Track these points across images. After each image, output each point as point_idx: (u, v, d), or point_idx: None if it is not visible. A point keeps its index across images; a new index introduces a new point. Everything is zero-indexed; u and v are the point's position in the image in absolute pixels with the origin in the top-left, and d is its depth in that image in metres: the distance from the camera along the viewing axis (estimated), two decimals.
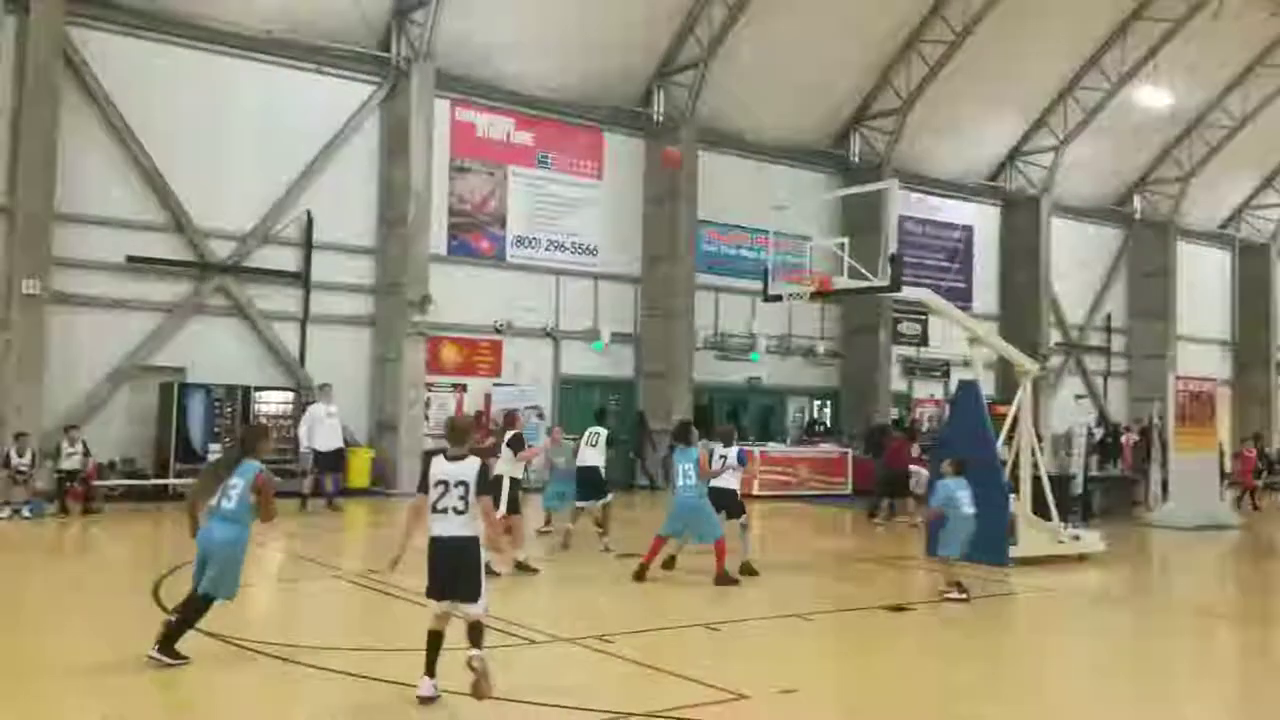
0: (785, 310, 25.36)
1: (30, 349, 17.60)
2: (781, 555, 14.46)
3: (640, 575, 11.12)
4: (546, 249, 23.78)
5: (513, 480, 11.53)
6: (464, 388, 22.56)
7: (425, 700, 6.60)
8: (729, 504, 12.04)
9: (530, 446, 12.69)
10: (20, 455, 16.05)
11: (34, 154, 17.78)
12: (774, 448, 24.00)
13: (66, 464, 16.52)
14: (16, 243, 17.75)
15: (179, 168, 19.41)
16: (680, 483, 11.34)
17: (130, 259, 18.97)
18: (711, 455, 12.18)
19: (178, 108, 19.51)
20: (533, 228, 23.62)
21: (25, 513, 15.69)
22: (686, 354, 24.40)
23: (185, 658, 7.35)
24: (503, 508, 10.54)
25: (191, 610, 7.51)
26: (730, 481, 12.20)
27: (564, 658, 8.24)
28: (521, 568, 11.45)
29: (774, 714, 6.65)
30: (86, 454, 16.77)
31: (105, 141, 18.94)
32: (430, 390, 21.81)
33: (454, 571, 6.73)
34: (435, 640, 6.74)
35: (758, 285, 16.03)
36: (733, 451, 12.16)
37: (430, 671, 6.67)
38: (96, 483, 17.02)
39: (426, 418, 21.52)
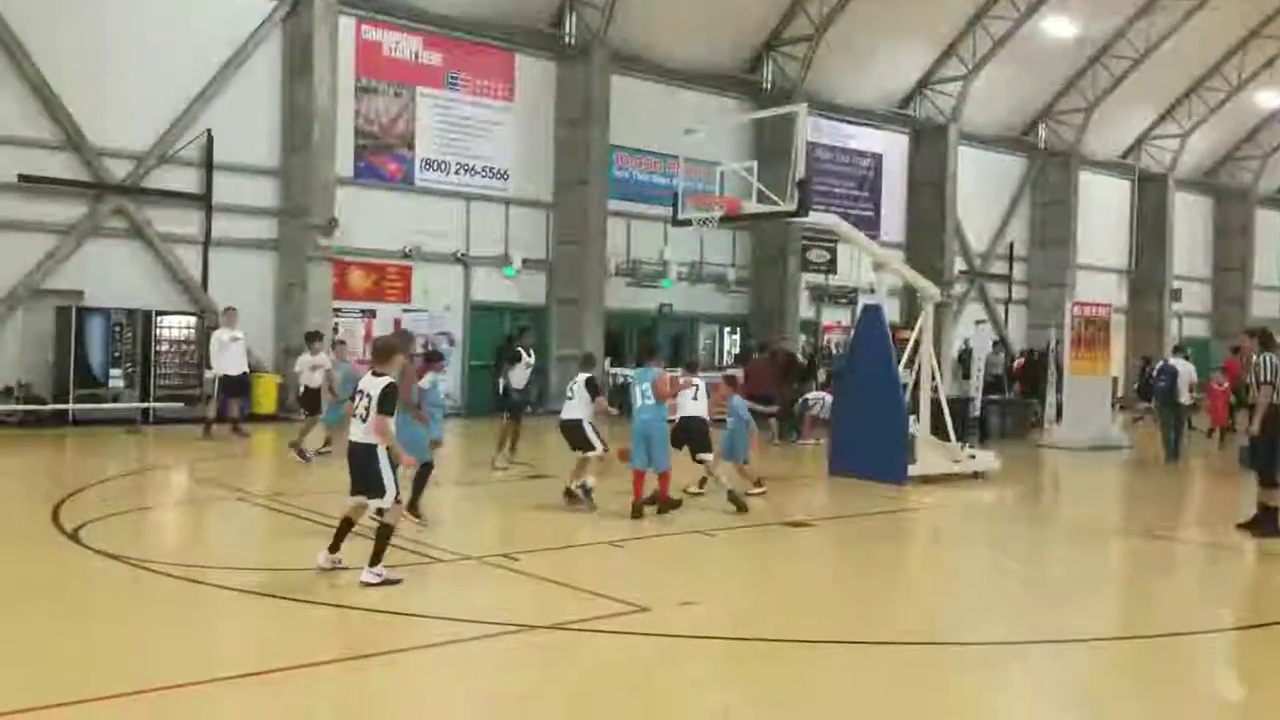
0: (697, 238, 25.48)
1: None
2: (685, 477, 14.76)
3: (638, 513, 10.65)
4: (456, 173, 23.43)
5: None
6: (373, 314, 22.30)
7: (323, 570, 7.78)
8: (698, 434, 11.78)
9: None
10: None
11: None
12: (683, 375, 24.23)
13: None
14: None
15: (71, 82, 18.58)
16: (639, 403, 11.18)
17: (22, 178, 18.21)
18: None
19: (69, 17, 18.63)
20: (442, 151, 23.22)
21: None
22: (598, 281, 24.42)
23: None
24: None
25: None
26: (700, 410, 11.95)
27: (472, 576, 8.38)
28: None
29: (672, 624, 6.90)
30: None
31: None
32: (338, 316, 21.49)
33: (360, 470, 7.73)
34: (344, 525, 7.91)
35: (669, 212, 16.11)
36: (701, 381, 12.18)
37: (333, 549, 7.82)
38: None
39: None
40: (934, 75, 30.69)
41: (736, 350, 26.94)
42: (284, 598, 7.33)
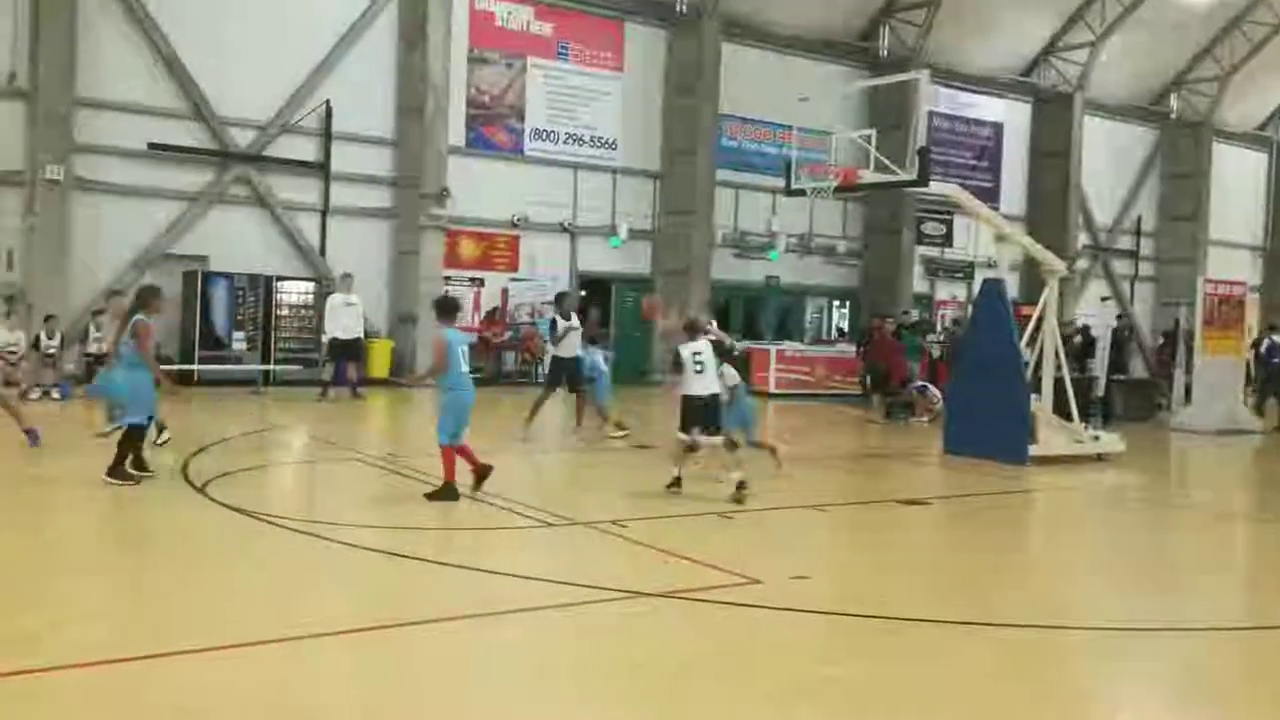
0: (806, 209, 25.11)
1: (55, 234, 17.69)
2: (796, 450, 14.57)
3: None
4: (565, 142, 23.49)
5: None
6: (481, 282, 22.56)
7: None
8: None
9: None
10: (50, 338, 16.32)
11: (54, 38, 17.61)
12: (790, 347, 24.00)
13: (93, 348, 16.78)
14: (38, 128, 17.67)
15: (198, 54, 19.19)
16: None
17: (152, 145, 18.88)
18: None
19: None
20: (551, 120, 23.30)
21: (55, 394, 15.97)
22: (705, 252, 24.24)
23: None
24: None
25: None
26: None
27: (581, 541, 8.38)
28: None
29: (785, 598, 6.77)
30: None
31: (124, 26, 18.69)
32: (448, 284, 21.78)
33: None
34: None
35: (778, 182, 15.81)
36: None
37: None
38: None
39: None
40: (1059, 42, 29.53)
41: (845, 324, 26.57)
42: (400, 555, 7.42)
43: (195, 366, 18.52)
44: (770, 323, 26.30)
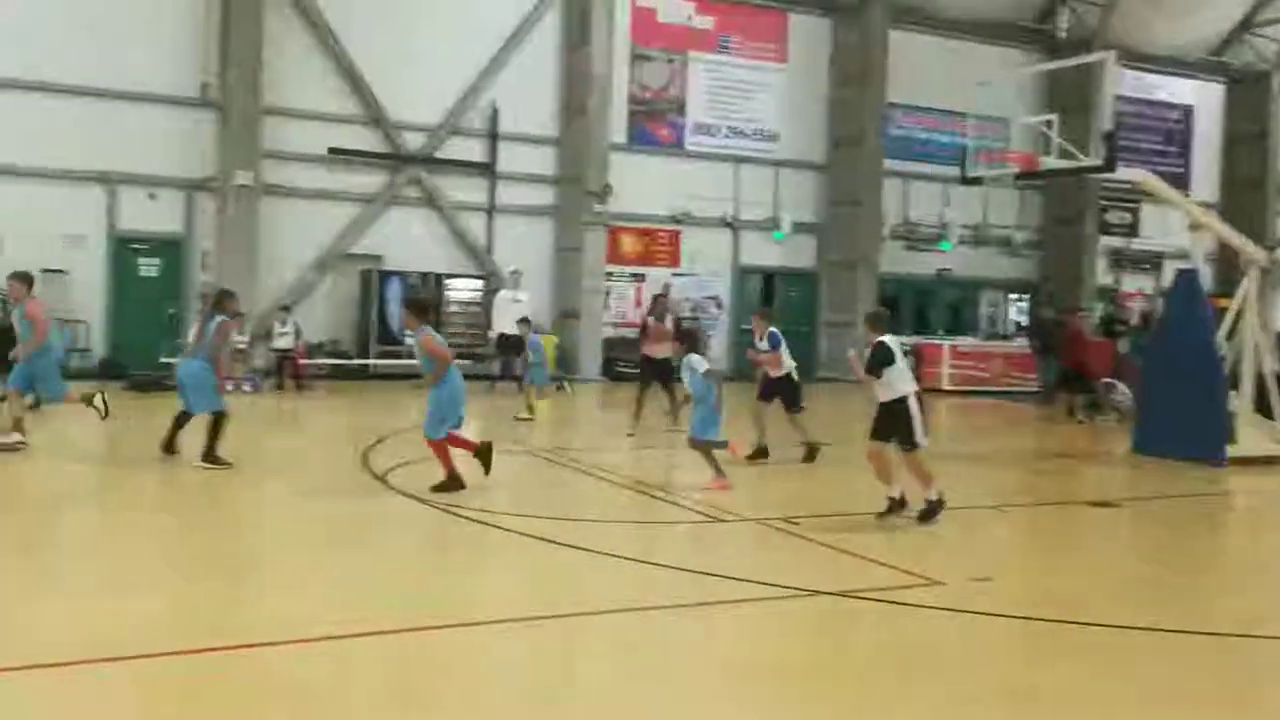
0: (980, 198, 24.19)
1: (244, 236, 18.65)
2: (972, 448, 14.00)
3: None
4: (726, 136, 23.30)
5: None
6: (642, 277, 22.63)
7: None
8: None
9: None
10: (240, 334, 17.17)
11: (242, 51, 18.53)
12: (964, 342, 23.15)
13: (280, 343, 17.70)
14: (230, 137, 18.67)
15: (374, 62, 19.87)
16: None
17: (331, 150, 19.69)
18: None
19: (369, 2, 19.90)
20: (712, 114, 23.16)
21: (246, 387, 16.84)
22: (872, 244, 23.63)
23: None
24: None
25: None
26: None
27: (754, 538, 8.22)
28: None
29: (969, 600, 6.43)
30: (298, 335, 17.92)
31: (306, 38, 19.54)
32: (610, 280, 21.98)
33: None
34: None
35: (950, 171, 15.23)
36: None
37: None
38: (306, 361, 18.14)
39: (607, 306, 21.80)
40: (1256, 16, 27.47)
41: (1025, 319, 25.44)
42: (576, 546, 7.42)
43: (370, 361, 19.23)
44: (942, 317, 25.45)
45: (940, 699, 4.89)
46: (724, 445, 9.65)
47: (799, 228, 23.83)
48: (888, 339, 8.28)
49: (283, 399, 16.82)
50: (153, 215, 18.84)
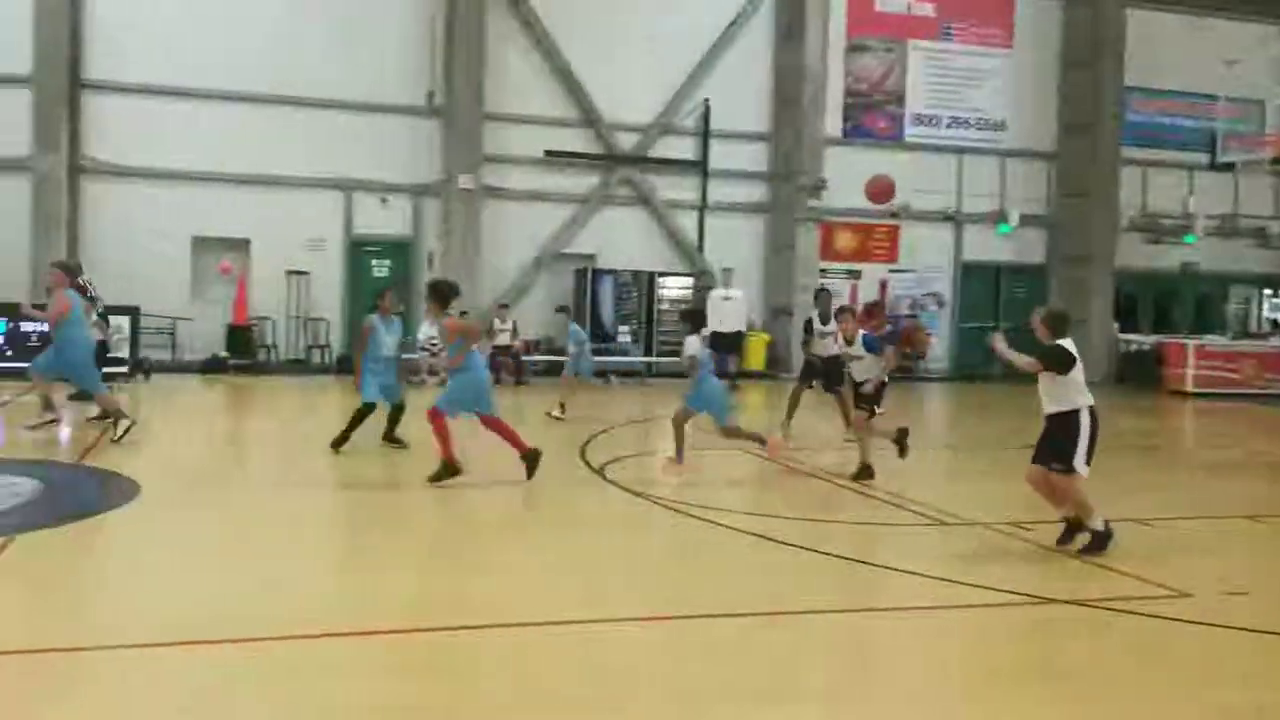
0: (1230, 186, 22.20)
1: (467, 237, 19.41)
2: (1220, 455, 12.81)
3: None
4: (948, 126, 22.40)
5: None
6: (858, 274, 22.05)
7: None
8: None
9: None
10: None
11: (465, 60, 19.30)
12: (1212, 341, 21.32)
13: (499, 340, 18.26)
14: (454, 142, 19.48)
15: (588, 65, 20.27)
16: None
17: (548, 153, 20.21)
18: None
19: (585, 5, 20.29)
20: (933, 104, 22.33)
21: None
22: (1108, 236, 22.13)
23: None
24: None
25: None
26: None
27: (981, 542, 7.75)
28: None
29: (1223, 614, 5.80)
30: (515, 332, 18.45)
31: (523, 43, 20.15)
32: (824, 277, 21.50)
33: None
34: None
35: (1195, 157, 13.98)
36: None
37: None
38: (525, 358, 18.69)
39: None
40: None
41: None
42: (795, 545, 7.22)
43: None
44: (1187, 314, 23.56)
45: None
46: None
47: (1027, 221, 22.63)
48: (1067, 343, 7.11)
49: (501, 394, 17.31)
50: (384, 219, 19.90)
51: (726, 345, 18.50)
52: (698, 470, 10.10)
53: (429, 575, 6.48)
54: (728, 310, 18.54)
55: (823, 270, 21.37)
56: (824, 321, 13.16)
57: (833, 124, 21.54)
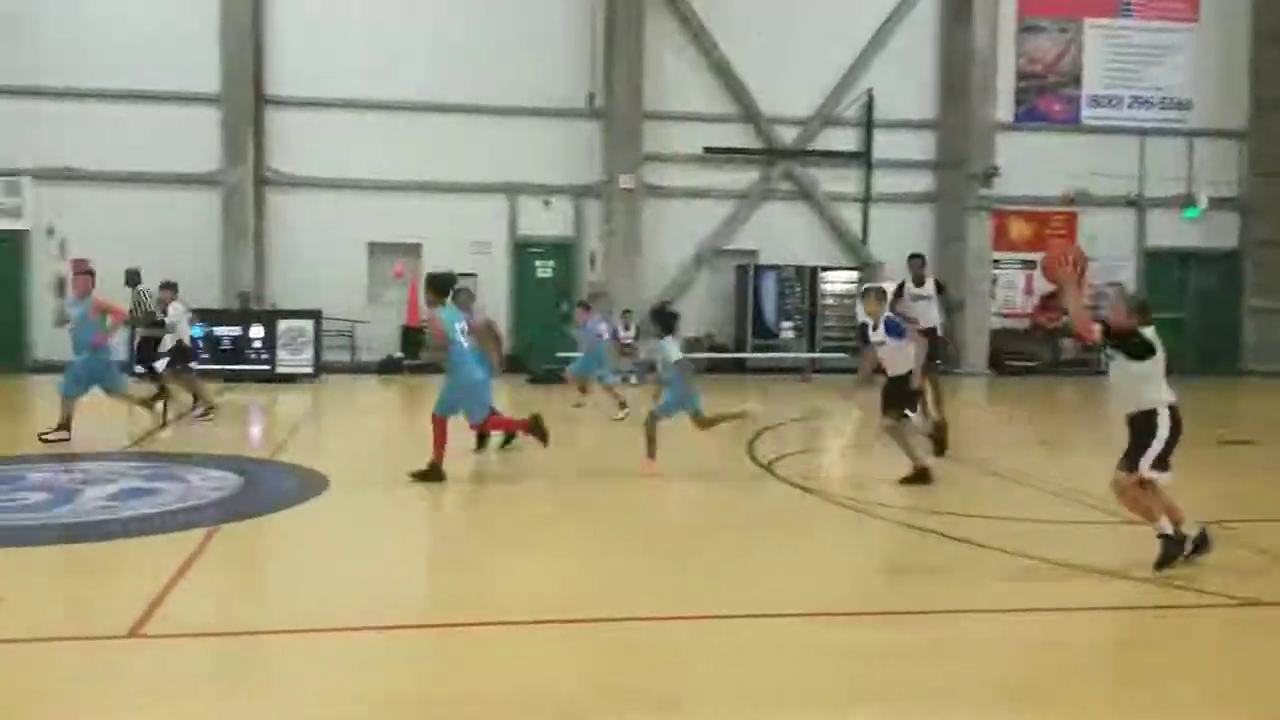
0: None
1: (628, 237, 19.53)
2: None
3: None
4: (1129, 107, 21.23)
5: None
6: (1033, 264, 21.10)
7: None
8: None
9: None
10: (626, 329, 18.00)
11: (625, 61, 19.42)
12: None
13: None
14: (614, 143, 19.63)
15: (746, 60, 20.09)
16: None
17: (707, 150, 20.13)
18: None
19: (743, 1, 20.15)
20: (1112, 85, 21.20)
21: (632, 379, 17.57)
22: None
23: None
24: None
25: None
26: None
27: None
28: None
29: None
30: (637, 332, 18.37)
31: (681, 41, 20.14)
32: (998, 268, 20.73)
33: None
34: None
35: None
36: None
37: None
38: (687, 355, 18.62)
39: (993, 296, 20.59)
40: None
41: None
42: (964, 540, 6.91)
43: (747, 354, 19.43)
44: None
45: None
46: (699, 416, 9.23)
47: (1217, 203, 21.23)
48: (1150, 332, 6.19)
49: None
50: (546, 221, 20.22)
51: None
52: (866, 466, 9.82)
53: (616, 564, 6.47)
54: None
55: (996, 261, 20.60)
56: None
57: (1004, 109, 20.72)
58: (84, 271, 11.44)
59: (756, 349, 19.52)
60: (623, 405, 12.90)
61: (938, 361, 11.38)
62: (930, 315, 11.25)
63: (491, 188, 19.82)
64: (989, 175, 19.95)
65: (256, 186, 19.06)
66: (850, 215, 20.74)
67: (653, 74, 19.80)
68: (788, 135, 20.53)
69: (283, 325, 17.55)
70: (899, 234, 20.55)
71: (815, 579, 6.22)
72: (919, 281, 11.68)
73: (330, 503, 8.00)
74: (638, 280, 19.54)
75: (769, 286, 19.60)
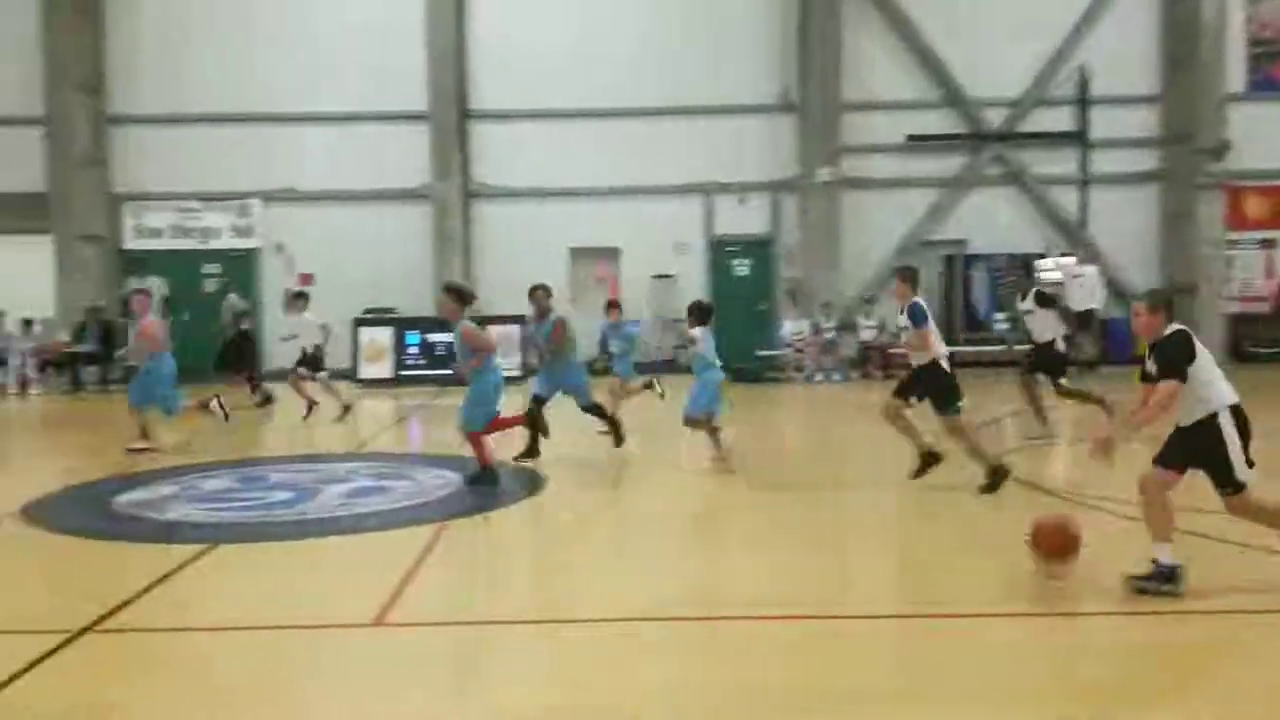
0: None
1: (827, 231, 19.12)
2: None
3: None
4: None
5: None
6: (1272, 244, 19.42)
7: None
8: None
9: None
10: (827, 322, 17.66)
11: (821, 52, 19.03)
12: None
13: (864, 335, 17.78)
14: (810, 136, 19.27)
15: (949, 42, 19.33)
16: None
17: (910, 138, 19.48)
18: None
19: None
20: None
21: (835, 376, 17.27)
22: None
23: None
24: None
25: None
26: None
27: None
28: None
29: None
30: (882, 327, 17.85)
31: (879, 27, 19.57)
32: (1232, 248, 19.15)
33: None
34: None
35: None
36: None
37: None
38: (893, 351, 18.04)
39: (1228, 279, 19.03)
40: None
41: None
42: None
43: (958, 348, 18.58)
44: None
45: None
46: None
47: None
48: (1181, 329, 5.38)
49: (869, 389, 16.87)
50: (743, 219, 20.04)
51: (1082, 325, 16.92)
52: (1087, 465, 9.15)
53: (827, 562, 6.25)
54: (1077, 288, 16.96)
55: (1231, 240, 19.03)
56: (1022, 299, 11.28)
57: (1234, 78, 19.13)
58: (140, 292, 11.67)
59: (967, 343, 18.66)
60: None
61: (1039, 375, 10.87)
62: (1039, 330, 10.79)
63: (687, 188, 19.82)
64: (1220, 150, 18.46)
65: (463, 198, 19.72)
66: (1066, 198, 19.61)
67: (850, 63, 19.32)
68: (996, 118, 19.62)
69: (490, 331, 18.00)
70: (1119, 216, 19.37)
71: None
72: (1023, 296, 11.19)
73: (548, 500, 8.12)
74: (837, 275, 19.09)
75: (979, 277, 18.75)
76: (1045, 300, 10.91)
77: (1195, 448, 5.27)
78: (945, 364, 8.06)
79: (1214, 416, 5.23)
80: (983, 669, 4.45)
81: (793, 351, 17.72)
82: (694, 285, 19.96)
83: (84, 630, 4.96)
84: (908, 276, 8.33)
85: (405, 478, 8.92)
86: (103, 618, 5.15)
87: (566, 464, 9.60)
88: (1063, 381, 10.81)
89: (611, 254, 19.82)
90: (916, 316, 8.02)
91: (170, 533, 7.09)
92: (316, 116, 19.46)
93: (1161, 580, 5.21)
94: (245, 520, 7.43)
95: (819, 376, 17.34)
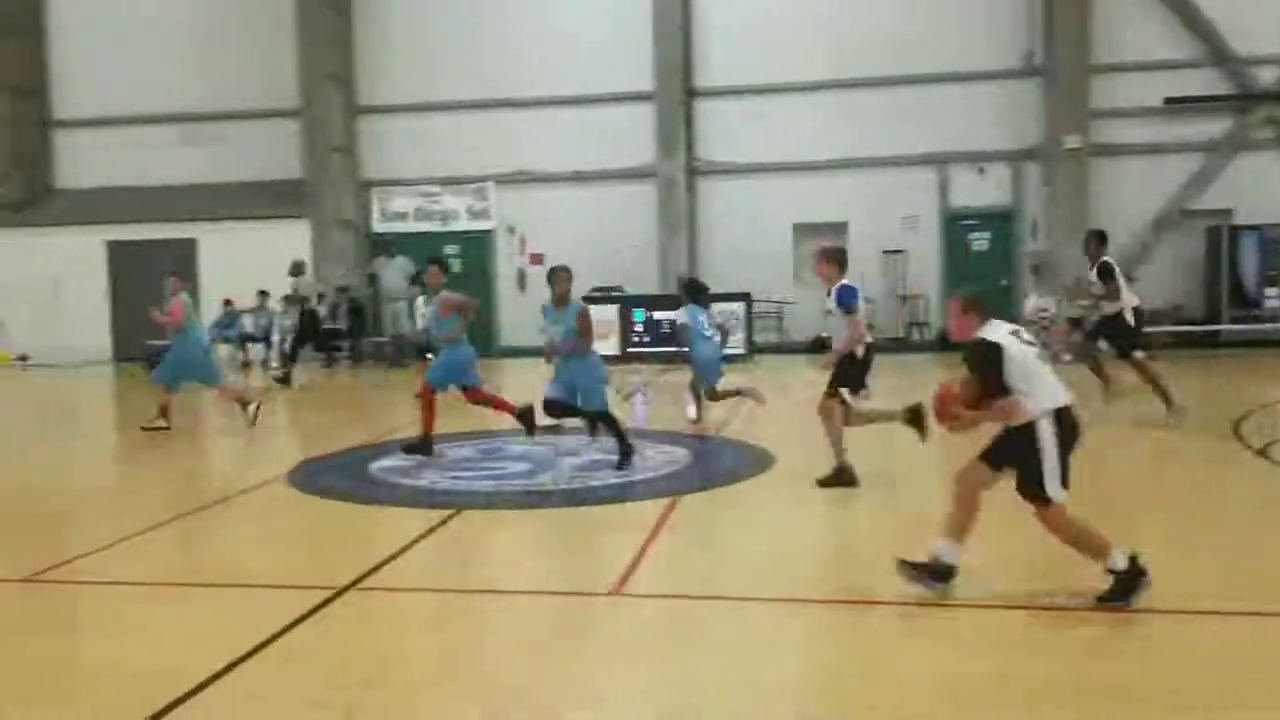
0: None
1: (1074, 202, 17.94)
2: None
3: None
4: None
5: None
6: None
7: None
8: None
9: None
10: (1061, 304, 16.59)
11: (1069, 12, 17.84)
12: None
13: (1073, 313, 16.57)
14: (1056, 101, 18.12)
15: None
16: None
17: (1168, 101, 17.99)
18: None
19: None
20: None
21: (1065, 357, 16.08)
22: None
23: None
24: None
25: None
26: None
27: None
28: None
29: None
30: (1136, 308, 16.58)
31: None
32: None
33: None
34: None
35: None
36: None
37: None
38: (1150, 329, 16.78)
39: None
40: None
41: None
42: None
43: (1222, 326, 17.12)
44: None
45: None
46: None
47: None
48: (994, 331, 4.97)
49: (1123, 368, 15.75)
50: (981, 190, 19.10)
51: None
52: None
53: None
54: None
55: None
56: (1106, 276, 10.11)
57: None
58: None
59: (1234, 320, 17.12)
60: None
61: (1134, 352, 10.07)
62: (1106, 303, 10.13)
63: (919, 159, 19.06)
64: None
65: (688, 176, 19.73)
66: None
67: (1100, 21, 18.00)
68: (1267, 76, 17.80)
69: (716, 308, 17.92)
70: None
71: None
72: (1091, 265, 10.31)
73: (778, 478, 7.96)
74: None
75: (1249, 250, 17.11)
76: (1104, 272, 9.97)
77: (1013, 451, 4.82)
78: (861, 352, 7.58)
79: (1032, 424, 4.72)
80: None
81: (1037, 329, 16.69)
82: (927, 261, 19.25)
83: (346, 588, 5.20)
84: (834, 257, 7.67)
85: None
86: (363, 576, 5.40)
87: (791, 442, 9.39)
88: None
89: (838, 229, 19.35)
90: (846, 300, 7.40)
91: (421, 498, 7.40)
92: (547, 100, 19.93)
93: (938, 578, 4.83)
94: (486, 489, 7.66)
95: (1067, 356, 16.26)
